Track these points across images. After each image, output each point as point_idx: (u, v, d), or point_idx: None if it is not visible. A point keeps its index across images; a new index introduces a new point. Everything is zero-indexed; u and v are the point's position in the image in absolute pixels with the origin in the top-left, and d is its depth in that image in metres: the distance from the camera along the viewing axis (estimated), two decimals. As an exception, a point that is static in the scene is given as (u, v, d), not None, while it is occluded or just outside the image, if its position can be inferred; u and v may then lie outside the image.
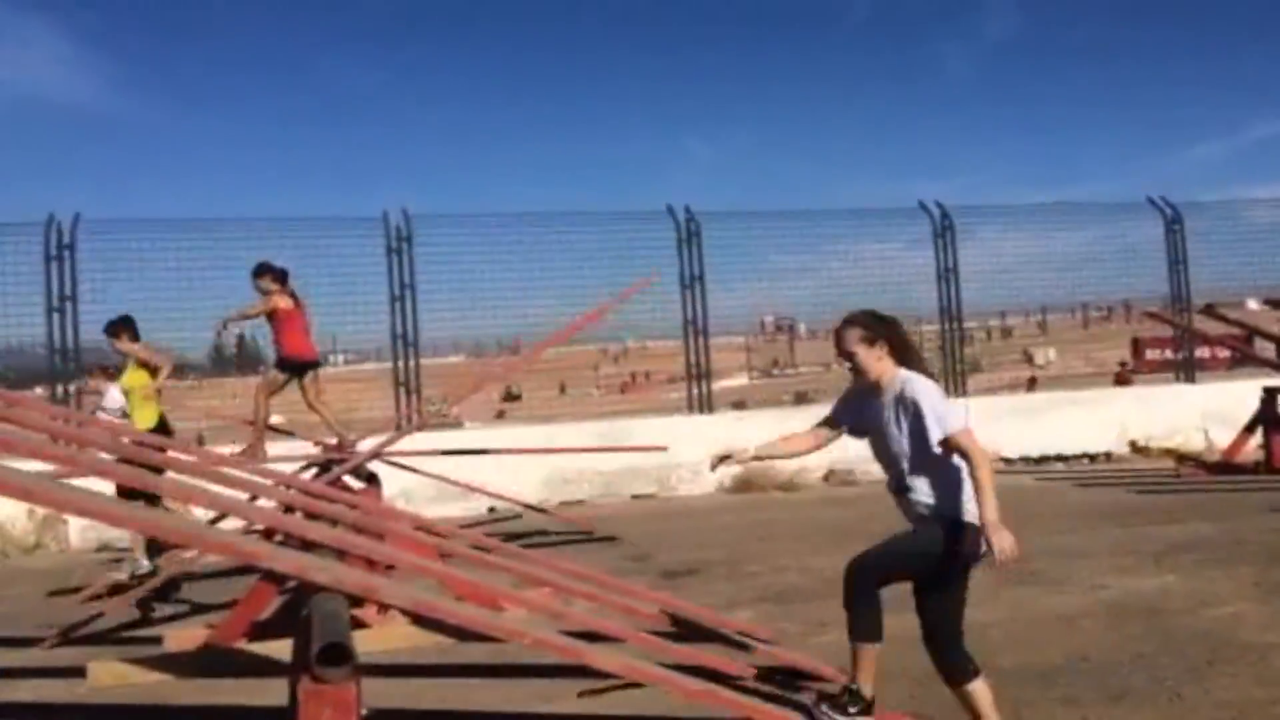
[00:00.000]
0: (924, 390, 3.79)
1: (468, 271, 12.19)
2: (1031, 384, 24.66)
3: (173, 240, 11.30)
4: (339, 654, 2.28)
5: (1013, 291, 14.90)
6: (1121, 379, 19.68)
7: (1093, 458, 12.93)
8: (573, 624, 4.13)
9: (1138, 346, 22.64)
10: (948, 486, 3.76)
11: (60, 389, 10.87)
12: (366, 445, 7.86)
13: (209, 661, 4.85)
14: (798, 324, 22.59)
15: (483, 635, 3.68)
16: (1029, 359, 32.04)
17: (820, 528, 8.92)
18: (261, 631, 5.02)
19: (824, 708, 3.93)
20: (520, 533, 9.15)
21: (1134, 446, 13.16)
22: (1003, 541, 3.44)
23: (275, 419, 11.72)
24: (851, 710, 3.91)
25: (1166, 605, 5.53)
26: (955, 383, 13.53)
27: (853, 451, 12.27)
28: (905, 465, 3.81)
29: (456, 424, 14.26)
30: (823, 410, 4.39)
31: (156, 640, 5.38)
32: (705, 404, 12.91)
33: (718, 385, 14.24)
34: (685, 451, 11.62)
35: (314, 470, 7.53)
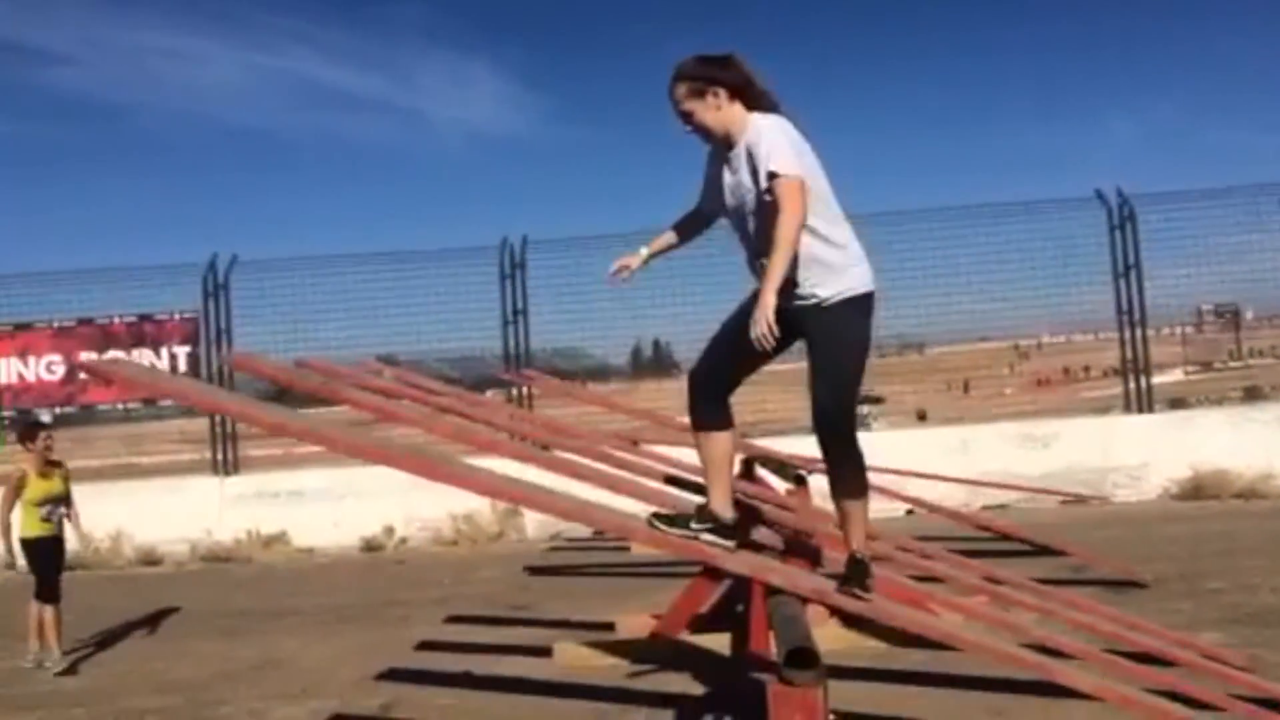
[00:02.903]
0: (764, 130, 3.11)
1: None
2: None
3: (608, 254, 12.20)
4: (806, 657, 2.32)
5: None
6: None
7: None
8: (1018, 636, 3.92)
9: None
10: (815, 259, 3.13)
11: (515, 393, 12.14)
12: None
13: (655, 649, 5.20)
14: (1244, 310, 20.08)
15: (921, 641, 3.63)
16: None
17: (1294, 542, 7.83)
18: (698, 624, 5.29)
19: (657, 522, 3.37)
20: (938, 536, 8.82)
21: None
22: (760, 318, 2.91)
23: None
24: (695, 525, 3.35)
25: None
26: None
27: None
28: (758, 237, 3.16)
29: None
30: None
31: (609, 625, 5.83)
32: (1145, 402, 11.75)
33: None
34: (1123, 454, 10.86)
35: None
